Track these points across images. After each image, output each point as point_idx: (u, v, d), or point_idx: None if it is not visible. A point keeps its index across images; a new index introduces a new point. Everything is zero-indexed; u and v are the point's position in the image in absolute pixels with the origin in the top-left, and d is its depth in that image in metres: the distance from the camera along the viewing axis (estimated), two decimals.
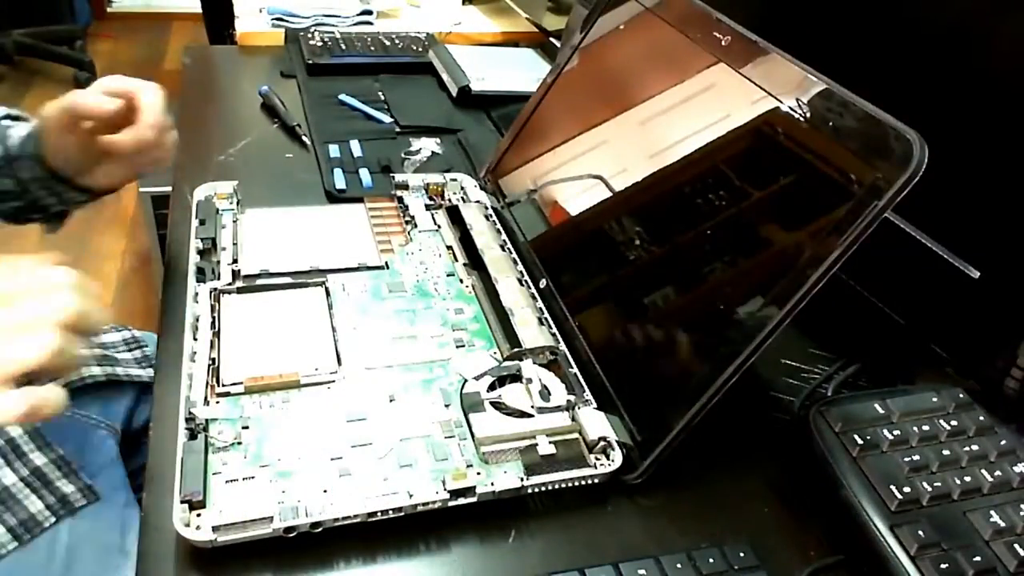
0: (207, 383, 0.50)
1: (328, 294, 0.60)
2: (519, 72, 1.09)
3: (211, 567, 0.43)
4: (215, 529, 0.41)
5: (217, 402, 0.49)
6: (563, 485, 0.47)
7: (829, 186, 0.44)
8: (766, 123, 0.50)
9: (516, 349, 0.56)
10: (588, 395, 0.53)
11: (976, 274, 0.52)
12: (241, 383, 0.50)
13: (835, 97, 0.45)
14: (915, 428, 0.49)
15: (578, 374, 0.54)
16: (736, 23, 0.54)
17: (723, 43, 0.54)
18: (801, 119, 0.47)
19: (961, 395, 0.52)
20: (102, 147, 0.60)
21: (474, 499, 0.45)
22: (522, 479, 0.47)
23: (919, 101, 0.55)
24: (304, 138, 0.88)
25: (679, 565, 0.44)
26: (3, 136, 0.65)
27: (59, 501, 0.60)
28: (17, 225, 0.69)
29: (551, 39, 1.22)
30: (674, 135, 0.57)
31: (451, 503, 0.45)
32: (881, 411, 0.50)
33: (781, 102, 0.48)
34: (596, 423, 0.50)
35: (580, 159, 0.66)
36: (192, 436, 0.46)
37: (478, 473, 0.47)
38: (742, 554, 0.45)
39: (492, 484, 0.46)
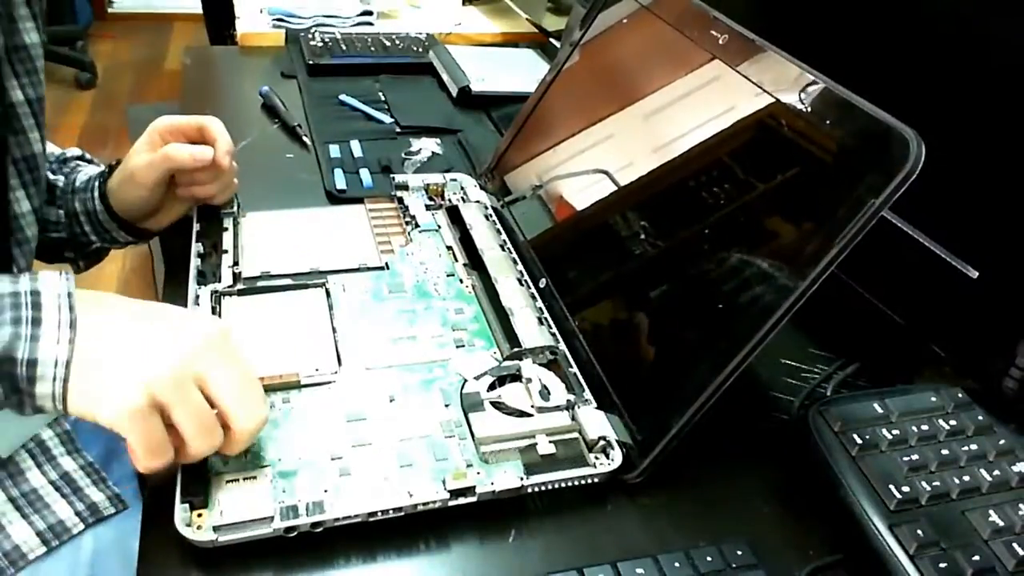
0: None
1: (328, 295, 0.60)
2: (519, 72, 1.09)
3: (212, 567, 0.43)
4: (216, 529, 0.42)
5: None
6: (563, 484, 0.48)
7: (826, 185, 0.44)
8: (762, 122, 0.50)
9: (516, 349, 0.56)
10: (588, 394, 0.53)
11: (974, 274, 0.52)
12: None
13: (832, 95, 0.45)
14: (914, 428, 0.49)
15: (578, 374, 0.55)
16: (734, 21, 0.54)
17: (720, 41, 0.54)
18: (798, 117, 0.47)
19: (960, 395, 0.52)
20: (184, 196, 0.66)
21: (474, 499, 0.46)
22: (522, 479, 0.47)
23: (918, 101, 0.55)
24: (304, 138, 0.88)
25: (677, 564, 0.44)
26: (71, 171, 0.71)
27: (88, 508, 0.59)
28: (46, 262, 0.71)
29: (551, 39, 1.22)
30: (669, 135, 0.57)
31: (451, 503, 0.45)
32: (880, 411, 0.51)
33: (778, 100, 0.48)
34: (596, 422, 0.50)
35: (578, 157, 0.66)
36: None
37: (478, 473, 0.47)
38: (740, 552, 0.45)
39: (492, 484, 0.46)
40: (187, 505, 0.42)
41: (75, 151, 0.75)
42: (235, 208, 0.68)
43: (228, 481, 0.44)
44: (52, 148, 0.73)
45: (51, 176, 0.69)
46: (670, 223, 0.55)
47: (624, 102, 0.63)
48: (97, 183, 0.68)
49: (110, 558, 0.59)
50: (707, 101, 0.55)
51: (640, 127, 0.61)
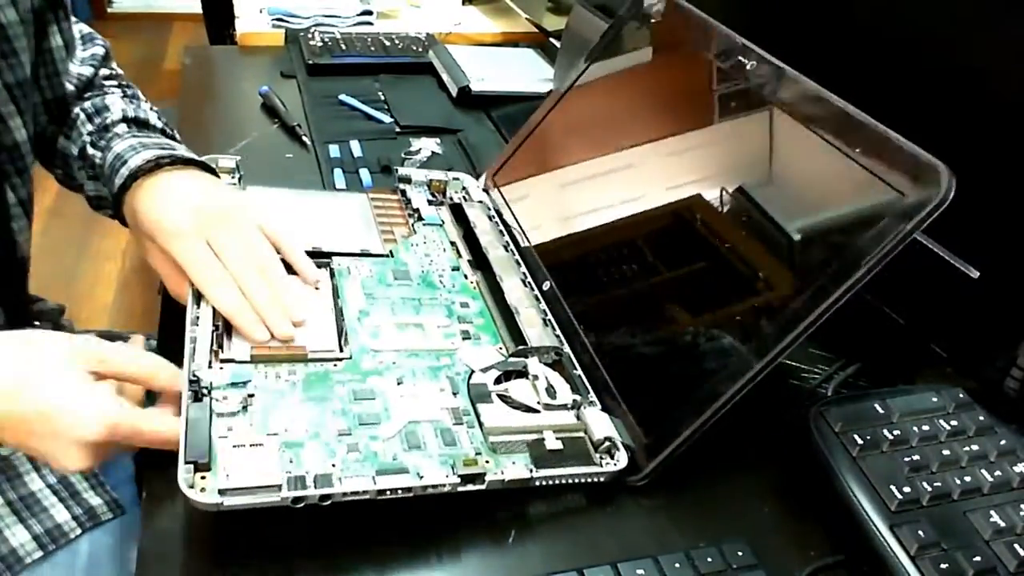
0: (211, 348, 0.49)
1: (333, 275, 0.59)
2: (519, 72, 1.09)
3: (212, 567, 0.43)
4: (222, 492, 0.40)
5: (221, 368, 0.48)
6: (570, 480, 0.47)
7: (856, 212, 0.44)
8: (787, 149, 0.50)
9: (522, 347, 0.55)
10: (592, 396, 0.53)
11: (976, 274, 0.52)
12: (247, 352, 0.49)
13: (865, 127, 0.45)
14: (915, 428, 0.49)
15: (582, 376, 0.54)
16: (764, 50, 0.54)
17: (748, 67, 0.54)
18: (829, 147, 0.47)
19: (961, 395, 0.52)
20: None
21: (483, 486, 0.45)
22: (531, 470, 0.46)
23: (919, 100, 0.55)
24: (304, 138, 0.88)
25: (677, 564, 0.44)
26: (107, 144, 0.61)
27: (86, 513, 0.59)
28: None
29: (551, 39, 1.22)
30: (687, 154, 0.57)
31: (460, 488, 0.44)
32: (881, 411, 0.50)
33: (812, 130, 0.48)
34: (601, 423, 0.50)
35: (587, 166, 0.66)
36: (196, 398, 0.45)
37: (487, 461, 0.46)
38: (740, 553, 0.45)
39: (502, 473, 0.45)
40: (191, 466, 0.41)
41: (117, 112, 0.64)
42: (236, 180, 0.67)
43: (234, 446, 0.43)
44: (96, 104, 0.66)
45: (90, 150, 0.63)
46: (684, 239, 0.55)
47: (642, 124, 0.62)
48: (118, 191, 0.58)
49: (107, 563, 0.59)
50: (732, 128, 0.55)
51: (659, 148, 0.61)
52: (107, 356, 0.47)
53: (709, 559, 0.44)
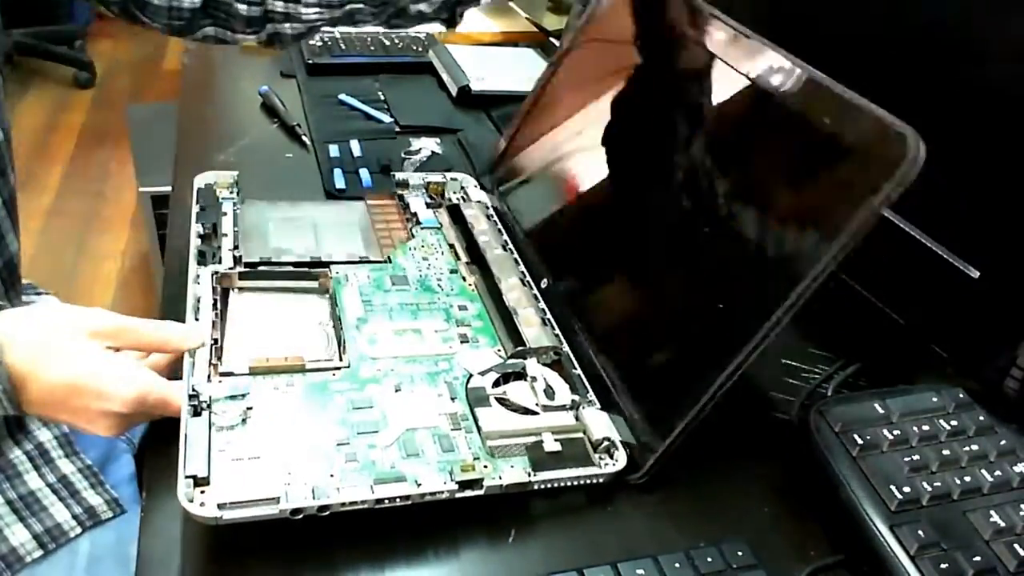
0: (210, 362, 0.49)
1: (331, 284, 0.59)
2: (519, 72, 1.09)
3: (213, 566, 0.43)
4: (220, 507, 0.41)
5: (220, 381, 0.49)
6: (569, 483, 0.47)
7: (825, 184, 0.44)
8: (759, 120, 0.50)
9: (520, 348, 0.55)
10: (591, 396, 0.53)
11: (976, 274, 0.52)
12: (246, 364, 0.50)
13: (831, 93, 0.45)
14: (915, 428, 0.49)
15: (581, 375, 0.54)
16: (731, 18, 0.54)
17: (717, 37, 0.54)
18: (796, 116, 0.47)
19: (961, 395, 0.52)
20: None
21: (481, 492, 0.45)
22: (529, 474, 0.46)
23: (918, 99, 0.55)
24: (304, 138, 0.88)
25: (677, 564, 0.44)
26: None
27: (86, 512, 0.59)
28: None
29: (551, 39, 1.22)
30: (666, 136, 0.57)
31: (458, 495, 0.45)
32: (881, 411, 0.50)
33: (776, 98, 0.48)
34: (600, 423, 0.50)
35: (578, 157, 0.66)
36: (196, 413, 0.45)
37: (485, 466, 0.46)
38: (740, 553, 0.45)
39: (500, 478, 0.46)
40: (190, 480, 0.41)
41: None
42: (235, 194, 0.67)
43: (233, 459, 0.44)
44: None
45: None
46: (668, 226, 0.55)
47: (621, 100, 0.63)
48: None
49: (107, 562, 0.59)
50: (703, 99, 0.55)
51: (638, 127, 0.61)
52: (124, 327, 0.48)
53: (709, 559, 0.44)
